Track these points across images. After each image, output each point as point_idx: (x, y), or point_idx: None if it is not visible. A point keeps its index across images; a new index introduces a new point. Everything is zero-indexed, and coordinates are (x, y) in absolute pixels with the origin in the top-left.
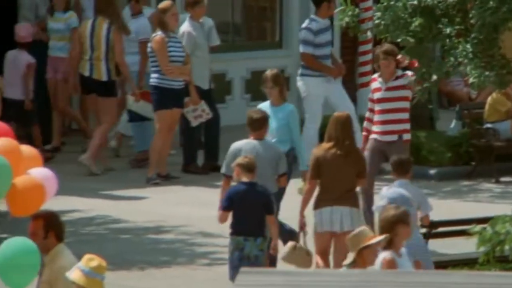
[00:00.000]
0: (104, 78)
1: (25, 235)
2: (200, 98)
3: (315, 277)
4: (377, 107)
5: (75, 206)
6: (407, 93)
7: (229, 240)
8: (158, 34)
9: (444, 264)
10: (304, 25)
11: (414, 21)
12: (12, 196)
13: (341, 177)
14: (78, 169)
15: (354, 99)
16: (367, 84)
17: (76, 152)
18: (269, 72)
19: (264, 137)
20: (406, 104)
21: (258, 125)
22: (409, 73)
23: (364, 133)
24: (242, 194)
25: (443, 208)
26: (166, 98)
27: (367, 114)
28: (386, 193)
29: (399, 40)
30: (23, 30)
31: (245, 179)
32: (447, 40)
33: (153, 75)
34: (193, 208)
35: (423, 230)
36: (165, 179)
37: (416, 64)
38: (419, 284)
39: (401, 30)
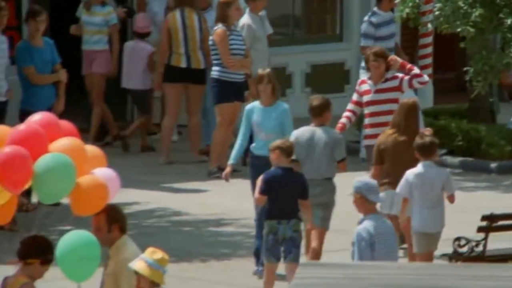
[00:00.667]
0: (202, 66)
1: (87, 228)
2: None
3: (375, 270)
4: (366, 110)
5: (136, 199)
6: (397, 95)
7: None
8: (220, 27)
9: (504, 257)
10: (365, 18)
11: (475, 12)
12: (75, 196)
13: (402, 162)
14: (139, 161)
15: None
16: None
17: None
18: (262, 70)
19: (325, 123)
20: (395, 107)
21: (318, 111)
22: (399, 75)
23: (339, 125)
24: (279, 179)
25: (503, 201)
26: (227, 91)
27: (347, 114)
28: (409, 176)
29: (459, 30)
30: (142, 20)
31: (283, 163)
32: (508, 31)
33: (214, 68)
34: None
35: (484, 224)
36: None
37: (408, 66)
38: (481, 278)
39: (461, 20)
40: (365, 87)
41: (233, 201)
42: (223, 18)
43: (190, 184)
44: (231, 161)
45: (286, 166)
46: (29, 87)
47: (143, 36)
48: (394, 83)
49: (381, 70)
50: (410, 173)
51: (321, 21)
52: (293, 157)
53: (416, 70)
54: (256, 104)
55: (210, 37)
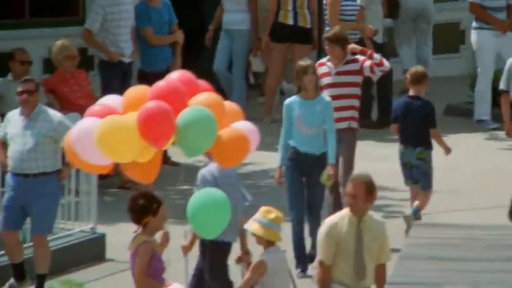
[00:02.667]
0: (308, 25)
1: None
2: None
3: (490, 230)
4: (326, 93)
5: (251, 160)
6: (358, 78)
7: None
8: None
9: None
10: None
11: None
12: (218, 148)
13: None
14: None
15: None
16: None
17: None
18: (305, 62)
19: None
20: (357, 91)
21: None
22: (360, 58)
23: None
24: (405, 106)
25: None
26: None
27: None
28: None
29: None
30: None
31: (411, 92)
32: None
33: (328, 28)
34: (367, 163)
35: None
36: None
37: (369, 53)
38: None
39: None
40: (323, 69)
41: None
42: None
43: None
44: (278, 164)
45: (414, 94)
46: (147, 48)
47: None
48: (355, 66)
49: (336, 53)
50: None
51: None
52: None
53: (376, 57)
54: (295, 98)
55: None
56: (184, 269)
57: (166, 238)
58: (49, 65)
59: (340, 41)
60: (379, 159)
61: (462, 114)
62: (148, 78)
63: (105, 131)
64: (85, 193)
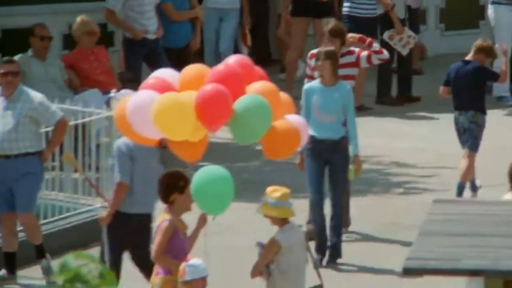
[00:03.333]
0: None
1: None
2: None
3: (509, 206)
4: None
5: None
6: (354, 71)
7: None
8: None
9: None
10: None
11: None
12: (269, 139)
13: None
14: None
15: None
16: None
17: None
18: (322, 48)
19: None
20: (352, 84)
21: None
22: (356, 49)
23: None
24: (457, 71)
25: None
26: (358, 27)
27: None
28: None
29: None
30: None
31: (469, 57)
32: None
33: (345, 4)
34: (387, 139)
35: None
36: (358, 110)
37: (368, 41)
38: None
39: None
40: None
41: (366, 139)
42: None
43: None
44: (301, 149)
45: (467, 59)
46: (166, 24)
47: None
48: (351, 58)
49: (337, 47)
50: None
51: None
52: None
53: (375, 46)
54: (315, 83)
55: None
56: (203, 246)
57: (203, 219)
58: (69, 41)
59: (340, 34)
60: (398, 136)
61: None
62: (167, 54)
63: (163, 108)
64: (105, 169)
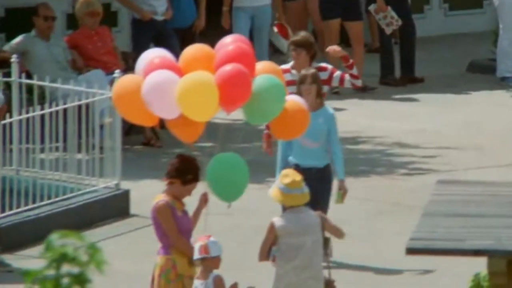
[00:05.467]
0: None
1: (232, 150)
2: (398, 8)
3: None
4: None
5: None
6: (325, 89)
7: None
8: None
9: None
10: None
11: None
12: (281, 119)
13: None
14: None
15: None
16: None
17: None
18: (307, 71)
19: None
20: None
21: None
22: (329, 66)
23: (266, 131)
24: None
25: None
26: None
27: None
28: None
29: None
30: None
31: None
32: None
33: None
34: (390, 120)
35: None
36: (362, 90)
37: (350, 62)
38: None
39: None
40: (288, 77)
41: (369, 119)
42: None
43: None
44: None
45: None
46: (171, 4)
47: None
48: (323, 75)
49: (301, 59)
50: None
51: None
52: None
53: (354, 70)
54: None
55: None
56: (203, 228)
57: (205, 199)
58: (73, 21)
59: (305, 45)
60: (401, 116)
61: (485, 70)
62: None
63: (190, 87)
64: (109, 150)
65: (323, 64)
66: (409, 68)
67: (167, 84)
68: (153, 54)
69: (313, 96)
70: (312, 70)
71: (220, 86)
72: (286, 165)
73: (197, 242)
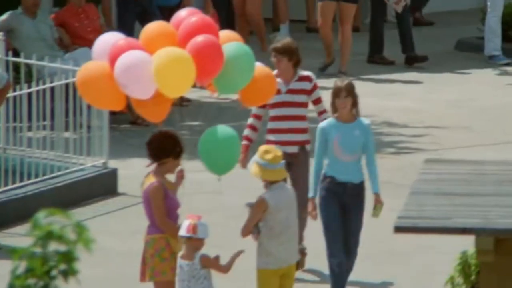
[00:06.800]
0: None
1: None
2: None
3: (500, 166)
4: (273, 113)
5: None
6: (307, 99)
7: None
8: None
9: None
10: None
11: None
12: (250, 86)
13: None
14: None
15: None
16: None
17: None
18: (341, 83)
19: None
20: (305, 112)
21: None
22: (313, 77)
23: (244, 142)
24: None
25: None
26: None
27: (251, 121)
28: None
29: None
30: None
31: None
32: None
33: None
34: (378, 99)
35: None
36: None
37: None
38: None
39: None
40: None
41: None
42: None
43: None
44: (311, 194)
45: None
46: None
47: None
48: (307, 85)
49: (283, 67)
50: None
51: None
52: None
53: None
54: (331, 121)
55: None
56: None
57: (181, 175)
58: None
59: (288, 52)
60: (390, 95)
61: (473, 49)
62: (160, 12)
63: (168, 63)
64: (96, 128)
65: (307, 73)
66: (409, 46)
67: (142, 64)
68: (112, 38)
69: (348, 110)
70: (346, 81)
71: (195, 59)
72: (320, 176)
73: (187, 220)
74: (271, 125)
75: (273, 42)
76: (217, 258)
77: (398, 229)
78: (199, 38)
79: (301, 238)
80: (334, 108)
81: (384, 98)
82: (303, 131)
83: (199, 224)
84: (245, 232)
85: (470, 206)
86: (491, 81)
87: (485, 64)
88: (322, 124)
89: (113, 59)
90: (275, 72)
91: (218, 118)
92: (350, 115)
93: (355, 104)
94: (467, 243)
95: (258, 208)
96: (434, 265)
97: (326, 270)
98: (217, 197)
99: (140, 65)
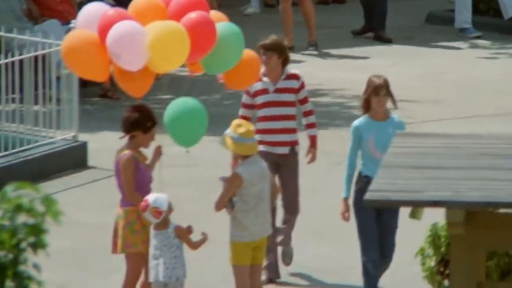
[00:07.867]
0: None
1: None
2: None
3: (471, 139)
4: (261, 113)
5: None
6: (294, 98)
7: None
8: None
9: None
10: None
11: None
12: (238, 68)
13: None
14: None
15: None
16: None
17: None
18: (378, 79)
19: None
20: (294, 111)
21: None
22: (301, 76)
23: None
24: None
25: None
26: None
27: (240, 111)
28: None
29: None
30: None
31: None
32: None
33: None
34: (349, 72)
35: None
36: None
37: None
38: None
39: None
40: (259, 85)
41: (329, 72)
42: None
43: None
44: (344, 195)
45: None
46: None
47: None
48: (294, 84)
49: (272, 64)
50: None
51: None
52: None
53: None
54: (364, 119)
55: None
56: (158, 179)
57: (159, 151)
58: None
59: (277, 49)
60: (361, 69)
61: (443, 22)
62: None
63: (165, 36)
64: (66, 101)
65: (294, 72)
66: (380, 25)
67: (137, 35)
68: (98, 8)
69: (385, 108)
70: (383, 78)
71: (195, 32)
72: (354, 176)
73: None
74: (259, 125)
75: (244, 14)
76: (189, 228)
77: (369, 202)
78: (193, 15)
79: (289, 239)
80: (368, 105)
81: (354, 71)
82: (292, 131)
83: (152, 199)
84: (219, 206)
85: (441, 179)
86: (462, 54)
87: (455, 37)
88: (356, 122)
89: (103, 29)
90: (262, 70)
91: (190, 91)
92: (385, 112)
93: (393, 101)
94: (439, 215)
95: (233, 183)
96: (405, 237)
97: (314, 275)
98: (187, 170)
99: (135, 35)
